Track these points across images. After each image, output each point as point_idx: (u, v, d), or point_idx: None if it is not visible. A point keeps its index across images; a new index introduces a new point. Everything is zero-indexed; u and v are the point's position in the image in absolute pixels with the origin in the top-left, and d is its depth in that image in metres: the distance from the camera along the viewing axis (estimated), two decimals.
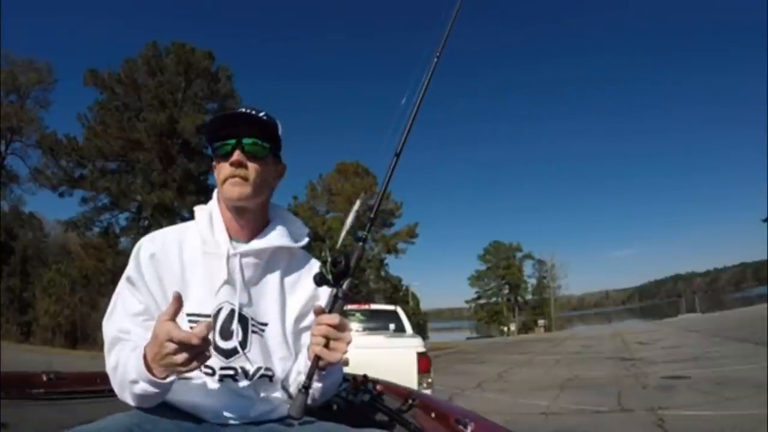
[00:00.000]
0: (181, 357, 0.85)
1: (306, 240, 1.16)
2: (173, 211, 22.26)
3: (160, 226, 1.21)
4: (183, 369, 0.87)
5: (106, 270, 21.73)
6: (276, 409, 1.08)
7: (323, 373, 1.01)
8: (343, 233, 1.02)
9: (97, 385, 1.57)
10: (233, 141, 1.05)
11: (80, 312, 23.05)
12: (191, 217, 1.13)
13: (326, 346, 0.94)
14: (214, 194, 1.15)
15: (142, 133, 21.95)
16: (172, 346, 0.84)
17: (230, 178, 1.05)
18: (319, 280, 0.99)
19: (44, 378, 1.53)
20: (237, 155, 1.04)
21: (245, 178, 1.05)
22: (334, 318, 0.95)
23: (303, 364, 1.05)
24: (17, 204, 26.33)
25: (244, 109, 1.09)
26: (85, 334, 23.21)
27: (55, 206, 36.01)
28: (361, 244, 1.01)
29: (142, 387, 0.91)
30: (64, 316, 22.68)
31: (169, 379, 0.90)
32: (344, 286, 0.98)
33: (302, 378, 0.98)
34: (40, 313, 22.78)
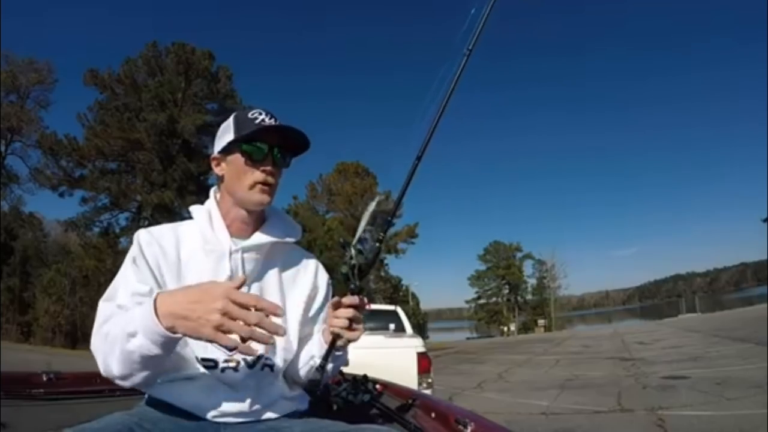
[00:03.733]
0: (236, 325, 0.80)
1: (299, 235, 1.22)
2: (173, 211, 22.26)
3: None
4: (223, 340, 0.81)
5: (106, 270, 21.70)
6: (276, 404, 1.09)
7: (338, 353, 1.11)
8: (359, 234, 1.08)
9: (97, 385, 1.57)
10: (265, 147, 1.10)
11: (80, 312, 23.05)
12: (191, 217, 1.15)
13: (350, 327, 1.05)
14: (211, 193, 1.18)
15: (142, 133, 21.98)
16: (231, 307, 0.80)
17: (260, 185, 1.10)
18: (346, 284, 1.06)
19: (44, 378, 1.54)
20: (272, 165, 1.11)
21: (273, 186, 1.12)
22: (355, 299, 1.05)
23: (317, 347, 1.13)
24: (17, 204, 26.36)
25: (266, 115, 1.12)
26: (85, 334, 23.19)
27: (55, 206, 36.10)
28: (378, 245, 1.09)
29: (140, 342, 0.84)
30: (64, 316, 22.69)
31: (177, 335, 0.83)
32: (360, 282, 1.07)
33: (316, 361, 1.11)
34: (40, 313, 22.80)
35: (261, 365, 1.08)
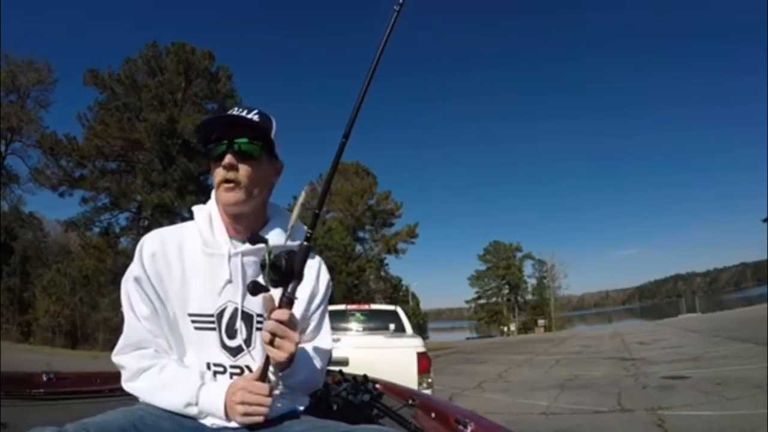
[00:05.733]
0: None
1: (303, 236, 1.16)
2: (173, 211, 22.28)
3: (160, 226, 1.21)
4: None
5: (106, 270, 21.73)
6: (275, 405, 1.07)
7: (282, 373, 0.99)
8: (289, 228, 0.98)
9: (97, 385, 1.57)
10: (225, 142, 1.05)
11: (80, 312, 23.06)
12: (191, 217, 1.14)
13: (272, 343, 0.91)
14: (213, 194, 1.16)
15: (142, 133, 21.97)
16: (247, 397, 0.95)
17: (223, 183, 1.05)
18: (252, 288, 0.92)
19: (44, 378, 1.54)
20: (229, 158, 1.04)
21: (238, 182, 1.04)
22: (284, 314, 0.90)
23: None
24: (17, 204, 26.35)
25: (236, 110, 1.09)
26: (85, 334, 23.22)
27: (55, 206, 36.04)
28: (305, 243, 0.94)
29: (196, 412, 1.00)
30: (64, 316, 22.70)
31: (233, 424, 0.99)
32: (289, 289, 0.92)
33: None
34: (40, 313, 22.80)
35: None
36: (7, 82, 23.23)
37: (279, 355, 0.92)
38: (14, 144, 24.83)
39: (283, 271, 0.91)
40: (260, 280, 0.93)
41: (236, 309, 1.06)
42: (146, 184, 22.96)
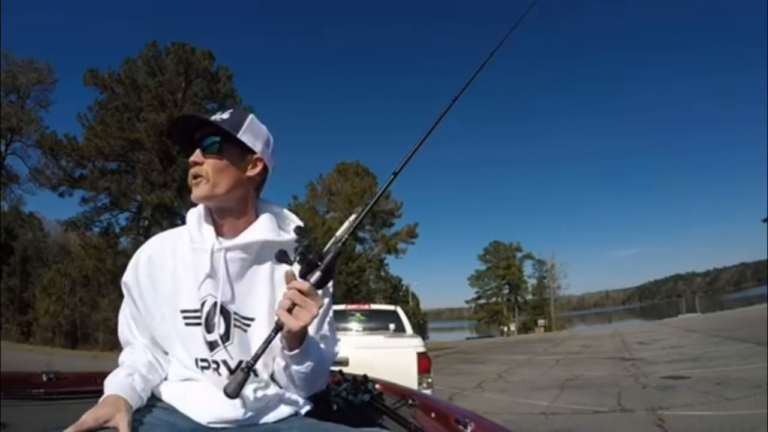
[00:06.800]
0: None
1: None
2: (173, 211, 22.28)
3: (160, 226, 1.24)
4: None
5: (106, 270, 21.72)
6: (273, 407, 1.08)
7: (293, 353, 0.97)
8: (332, 241, 0.98)
9: (97, 385, 1.55)
10: (189, 142, 1.11)
11: (80, 312, 23.08)
12: None
13: (290, 311, 0.91)
14: None
15: (142, 133, 21.96)
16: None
17: (192, 179, 1.09)
18: (280, 255, 0.98)
19: (44, 378, 1.53)
20: (193, 155, 1.09)
21: (201, 175, 1.08)
22: (304, 284, 0.92)
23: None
24: (17, 204, 26.38)
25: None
26: (85, 334, 23.25)
27: (55, 206, 36.11)
28: (339, 244, 0.97)
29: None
30: (64, 316, 22.72)
31: None
32: (312, 279, 0.93)
33: (279, 366, 1.03)
34: (40, 313, 22.83)
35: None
36: (7, 82, 23.25)
37: (295, 323, 0.91)
38: (14, 144, 24.89)
39: (308, 260, 0.94)
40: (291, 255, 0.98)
41: (215, 303, 1.06)
42: (146, 184, 22.96)
